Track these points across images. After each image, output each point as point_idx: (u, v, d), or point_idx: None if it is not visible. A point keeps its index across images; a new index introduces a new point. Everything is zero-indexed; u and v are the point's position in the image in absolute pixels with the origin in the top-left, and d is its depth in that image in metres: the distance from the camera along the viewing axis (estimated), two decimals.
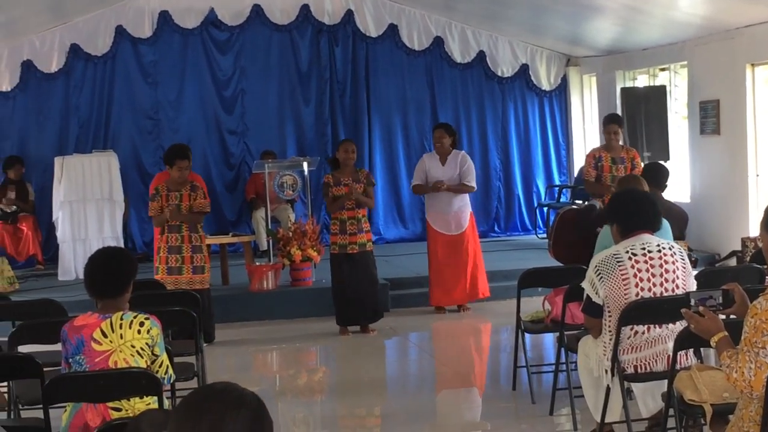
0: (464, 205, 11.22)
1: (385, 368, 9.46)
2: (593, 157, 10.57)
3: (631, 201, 5.99)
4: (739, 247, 11.76)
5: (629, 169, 10.41)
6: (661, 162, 10.95)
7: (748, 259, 10.30)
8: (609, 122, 10.76)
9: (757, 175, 12.14)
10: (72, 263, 12.93)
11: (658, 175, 8.76)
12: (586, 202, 14.50)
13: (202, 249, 9.94)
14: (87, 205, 13.02)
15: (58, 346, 5.32)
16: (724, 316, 4.73)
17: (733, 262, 11.82)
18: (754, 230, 11.68)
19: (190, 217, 9.80)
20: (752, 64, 12.04)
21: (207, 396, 2.36)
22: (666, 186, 8.87)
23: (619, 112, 13.84)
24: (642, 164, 10.66)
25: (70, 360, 5.07)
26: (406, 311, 11.11)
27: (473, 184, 11.18)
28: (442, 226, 11.12)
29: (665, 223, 7.01)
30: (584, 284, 5.87)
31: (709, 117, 12.72)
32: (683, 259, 5.84)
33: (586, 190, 11.57)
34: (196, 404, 2.34)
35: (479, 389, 8.75)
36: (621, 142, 10.87)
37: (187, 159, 9.83)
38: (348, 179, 10.33)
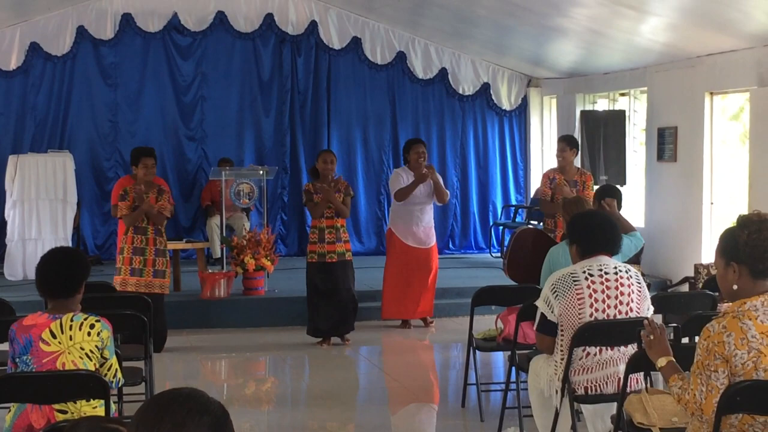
0: (431, 219, 11.32)
1: (335, 381, 9.38)
2: (548, 178, 10.78)
3: (593, 223, 6.01)
4: (691, 273, 11.85)
5: (580, 191, 10.51)
6: (616, 186, 11.03)
7: (700, 285, 10.39)
8: (558, 140, 11.02)
9: (712, 203, 12.27)
10: (20, 263, 12.76)
11: (612, 196, 8.78)
12: (541, 224, 14.60)
13: (165, 253, 9.91)
14: (40, 205, 12.85)
15: (4, 346, 5.24)
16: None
17: (685, 287, 11.91)
18: (707, 257, 11.79)
19: (155, 214, 9.73)
20: (711, 93, 12.18)
21: (172, 399, 2.33)
22: (621, 206, 8.91)
23: (578, 134, 13.95)
24: (594, 188, 10.76)
25: (17, 360, 4.99)
26: (357, 325, 11.01)
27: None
28: (413, 240, 11.13)
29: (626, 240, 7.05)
30: (539, 302, 5.87)
31: (666, 143, 12.84)
32: (639, 283, 5.85)
33: (540, 208, 11.73)
34: (160, 406, 2.31)
35: (429, 405, 8.71)
36: (577, 164, 10.97)
37: (152, 157, 9.90)
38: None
